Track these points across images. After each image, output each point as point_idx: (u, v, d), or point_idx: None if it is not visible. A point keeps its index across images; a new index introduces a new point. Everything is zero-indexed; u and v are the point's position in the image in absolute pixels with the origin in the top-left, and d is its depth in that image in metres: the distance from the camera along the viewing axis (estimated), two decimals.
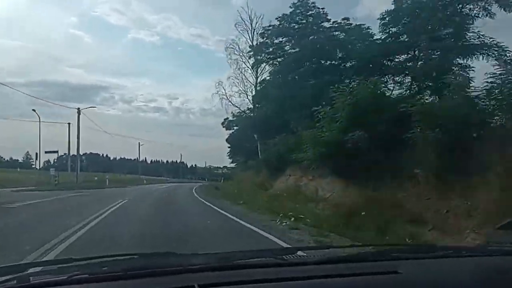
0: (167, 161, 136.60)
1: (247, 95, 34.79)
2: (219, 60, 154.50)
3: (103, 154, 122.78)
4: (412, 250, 2.06)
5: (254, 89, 33.21)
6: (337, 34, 21.98)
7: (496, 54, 13.65)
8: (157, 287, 1.38)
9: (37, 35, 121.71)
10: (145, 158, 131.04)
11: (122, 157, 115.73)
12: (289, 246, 6.80)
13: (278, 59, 25.39)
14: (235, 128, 39.05)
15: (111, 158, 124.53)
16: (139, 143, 69.68)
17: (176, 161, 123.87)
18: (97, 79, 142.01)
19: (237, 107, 36.12)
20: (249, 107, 34.19)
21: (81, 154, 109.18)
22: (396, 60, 16.84)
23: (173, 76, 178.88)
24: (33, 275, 1.47)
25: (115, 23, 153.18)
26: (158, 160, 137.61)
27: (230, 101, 35.96)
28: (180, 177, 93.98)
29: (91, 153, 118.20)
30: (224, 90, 35.97)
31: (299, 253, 1.80)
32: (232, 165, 52.00)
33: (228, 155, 47.17)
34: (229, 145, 43.35)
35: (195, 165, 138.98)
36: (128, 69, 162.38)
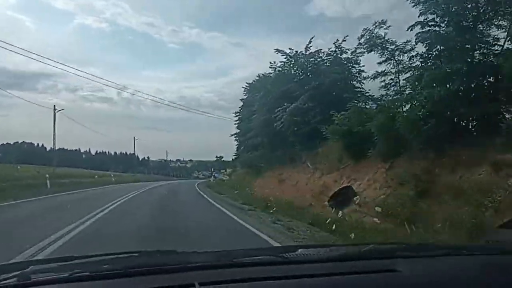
0: (115, 153, 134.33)
1: None
2: (172, 51, 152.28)
3: (38, 144, 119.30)
4: (412, 249, 2.31)
5: None
6: None
7: None
8: (158, 285, 1.57)
9: None
10: (89, 149, 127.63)
11: (62, 147, 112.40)
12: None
13: None
14: None
15: (48, 149, 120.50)
16: (54, 106, 45.96)
17: (126, 152, 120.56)
18: (39, 66, 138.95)
19: None
20: None
21: (11, 143, 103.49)
22: None
23: (123, 66, 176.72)
24: (34, 272, 1.65)
25: (60, 7, 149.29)
26: (104, 151, 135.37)
27: None
28: (133, 171, 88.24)
29: (23, 142, 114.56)
30: None
31: (300, 251, 2.02)
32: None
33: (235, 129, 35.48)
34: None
35: (148, 157, 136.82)
36: (74, 56, 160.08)
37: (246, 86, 34.84)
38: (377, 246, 2.41)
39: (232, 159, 46.41)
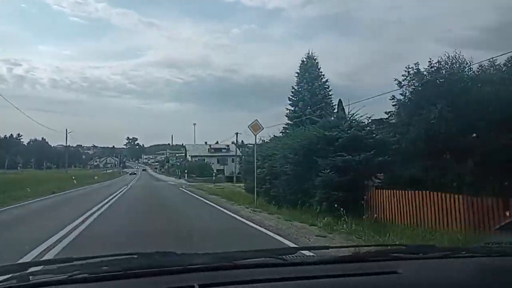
0: None
1: None
2: (74, 25, 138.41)
3: None
4: (412, 250, 2.32)
5: None
6: None
7: None
8: (157, 286, 1.58)
9: None
10: None
11: None
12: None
13: None
14: None
15: None
16: None
17: None
18: None
19: None
20: None
21: None
22: None
23: (16, 38, 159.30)
24: (33, 274, 1.65)
25: None
26: None
27: None
28: None
29: None
30: None
31: (299, 253, 2.03)
32: None
33: None
34: None
35: (18, 134, 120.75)
36: None
37: None
38: (377, 247, 2.42)
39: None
